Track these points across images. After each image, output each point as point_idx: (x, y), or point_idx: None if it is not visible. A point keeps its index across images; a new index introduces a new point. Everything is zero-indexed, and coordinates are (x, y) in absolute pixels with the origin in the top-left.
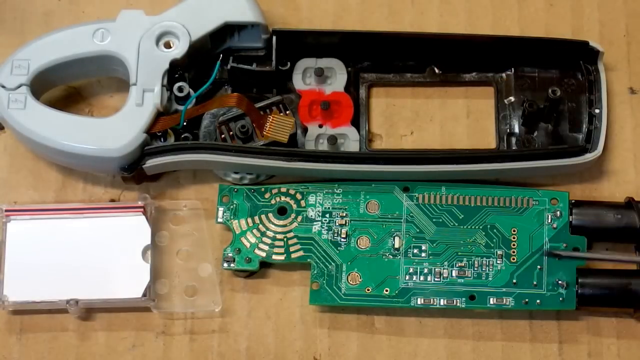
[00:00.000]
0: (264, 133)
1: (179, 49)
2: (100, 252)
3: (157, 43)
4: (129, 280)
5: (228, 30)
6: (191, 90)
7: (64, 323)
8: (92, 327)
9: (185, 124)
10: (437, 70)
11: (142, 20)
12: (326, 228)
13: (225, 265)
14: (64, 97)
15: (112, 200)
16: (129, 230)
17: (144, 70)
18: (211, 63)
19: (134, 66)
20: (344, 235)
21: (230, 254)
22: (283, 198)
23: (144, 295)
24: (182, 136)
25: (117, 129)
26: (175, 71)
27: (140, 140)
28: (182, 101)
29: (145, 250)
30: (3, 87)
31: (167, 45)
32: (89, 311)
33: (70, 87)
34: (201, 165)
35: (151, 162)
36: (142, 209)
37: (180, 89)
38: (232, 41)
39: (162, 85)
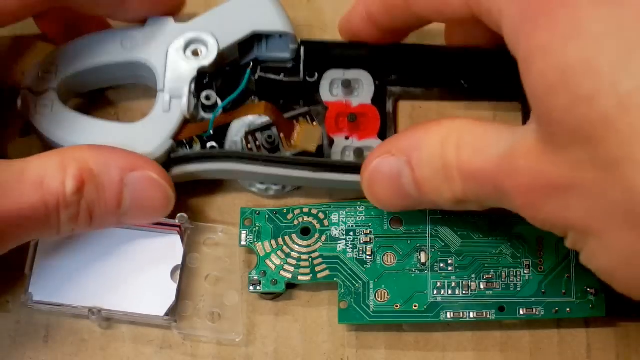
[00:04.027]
0: (292, 142)
1: (207, 58)
2: (130, 265)
3: (185, 50)
4: (154, 297)
5: (255, 39)
6: (218, 99)
7: (91, 326)
8: (114, 336)
9: (211, 132)
10: (464, 84)
11: (171, 27)
12: (351, 246)
13: (252, 288)
14: (91, 101)
15: None
16: (162, 248)
17: (171, 77)
18: (238, 72)
19: (161, 73)
20: (369, 253)
21: (255, 277)
22: (306, 218)
23: (167, 314)
24: (209, 145)
25: (144, 134)
26: (202, 79)
27: (167, 146)
28: (209, 109)
29: (175, 270)
30: (30, 91)
31: (195, 53)
32: (110, 321)
33: (97, 91)
34: (228, 175)
35: (177, 170)
36: (178, 228)
37: (207, 98)
38: (259, 51)
39: (190, 93)
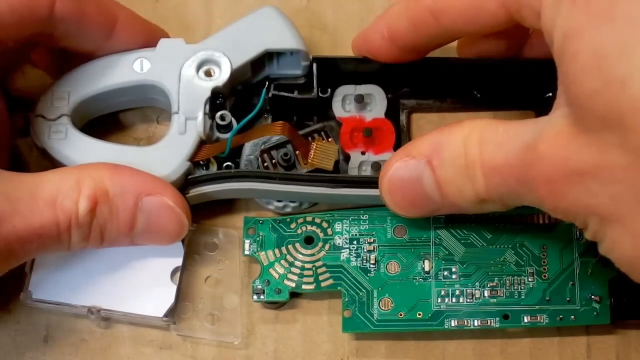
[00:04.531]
0: (309, 161)
1: (220, 77)
2: (130, 265)
3: (198, 71)
4: (153, 298)
5: (267, 57)
6: (233, 119)
7: (91, 326)
8: (115, 336)
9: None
10: (477, 95)
11: (182, 49)
12: (354, 255)
13: (255, 297)
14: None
15: None
16: (163, 250)
17: (185, 98)
18: (251, 91)
19: (175, 95)
20: (372, 261)
21: (259, 286)
22: (309, 227)
23: (165, 315)
24: (225, 165)
25: (161, 157)
26: (216, 99)
27: (184, 168)
28: (224, 129)
29: (175, 272)
30: (43, 117)
31: (208, 74)
32: (109, 321)
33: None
34: (245, 194)
35: (195, 191)
36: None
37: (222, 118)
38: (271, 69)
39: (205, 114)
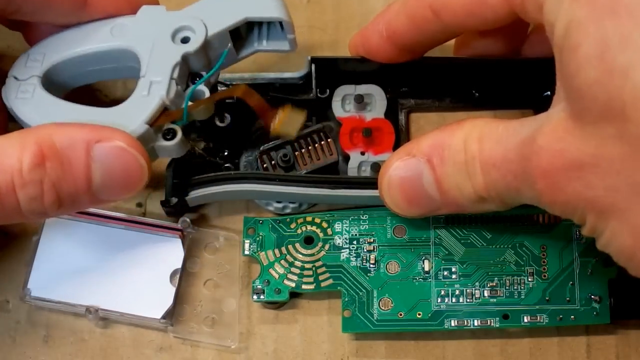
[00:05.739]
0: (272, 127)
1: (193, 44)
2: (130, 266)
3: (174, 38)
4: (151, 299)
5: (253, 31)
6: (207, 91)
7: (91, 326)
8: (114, 337)
9: (192, 122)
10: (476, 94)
11: (162, 16)
12: (354, 255)
13: (255, 297)
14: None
15: (139, 205)
16: (163, 251)
17: (154, 62)
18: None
19: (145, 59)
20: (372, 261)
21: (259, 286)
22: (309, 227)
23: (163, 317)
24: (225, 165)
25: (121, 118)
26: (195, 76)
27: (142, 130)
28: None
29: (174, 274)
30: (16, 78)
31: (185, 41)
32: (107, 321)
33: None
34: (245, 196)
35: (195, 193)
36: (180, 232)
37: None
38: (260, 44)
39: (171, 79)
